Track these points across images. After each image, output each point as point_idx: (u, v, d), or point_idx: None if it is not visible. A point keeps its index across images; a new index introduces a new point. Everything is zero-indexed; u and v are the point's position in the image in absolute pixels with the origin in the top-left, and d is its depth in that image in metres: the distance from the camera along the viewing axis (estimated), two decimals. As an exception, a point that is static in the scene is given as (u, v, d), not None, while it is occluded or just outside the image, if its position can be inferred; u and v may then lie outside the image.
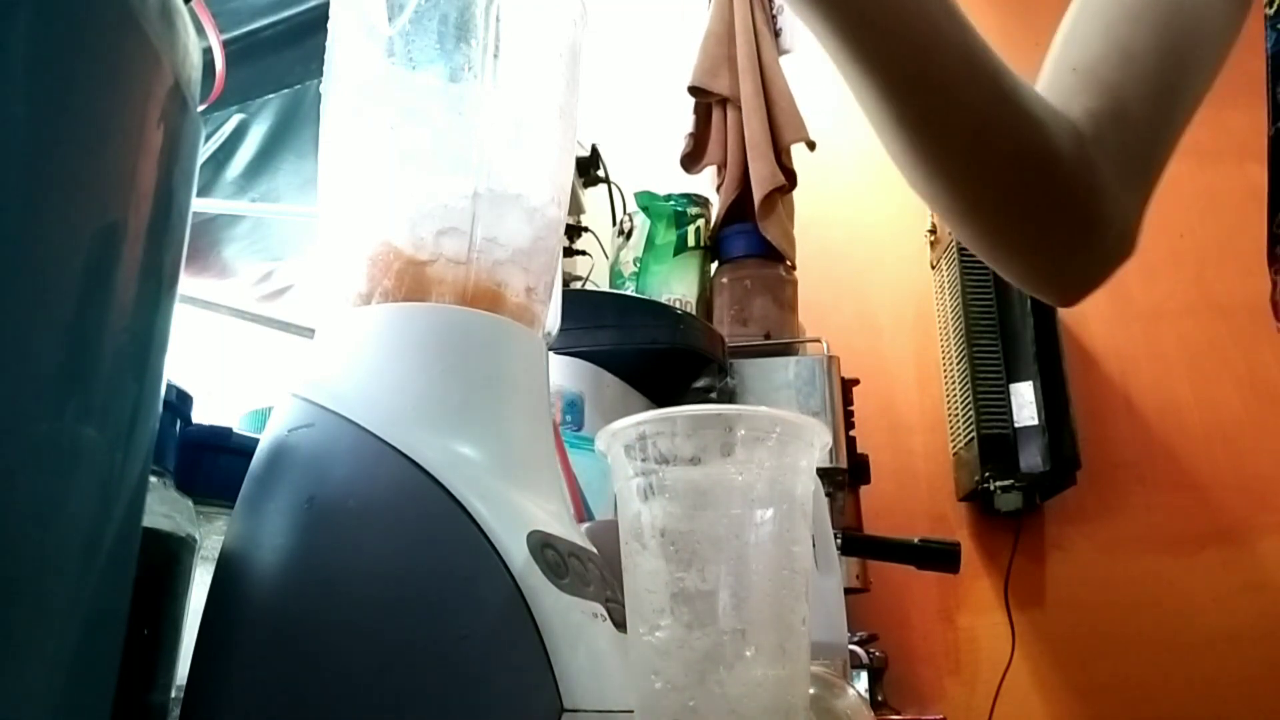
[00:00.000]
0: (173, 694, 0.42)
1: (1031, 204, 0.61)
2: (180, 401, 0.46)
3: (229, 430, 0.51)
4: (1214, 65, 0.64)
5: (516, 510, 0.40)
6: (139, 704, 0.39)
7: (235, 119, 1.28)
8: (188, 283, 1.31)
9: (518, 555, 0.38)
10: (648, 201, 1.74)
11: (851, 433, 1.59)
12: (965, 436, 1.94)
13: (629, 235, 1.74)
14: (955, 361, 2.01)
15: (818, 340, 1.66)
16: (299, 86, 1.24)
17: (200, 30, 0.40)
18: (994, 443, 1.87)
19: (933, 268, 2.18)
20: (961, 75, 0.56)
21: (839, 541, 0.82)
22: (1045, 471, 1.85)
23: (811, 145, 1.75)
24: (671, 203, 1.73)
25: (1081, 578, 1.98)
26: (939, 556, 0.93)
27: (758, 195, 1.65)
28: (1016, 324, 1.94)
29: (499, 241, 0.47)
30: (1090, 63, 0.61)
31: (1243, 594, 1.93)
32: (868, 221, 2.27)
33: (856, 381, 1.63)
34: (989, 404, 1.89)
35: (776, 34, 1.80)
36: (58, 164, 0.28)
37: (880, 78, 0.55)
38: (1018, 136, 0.57)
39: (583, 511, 0.65)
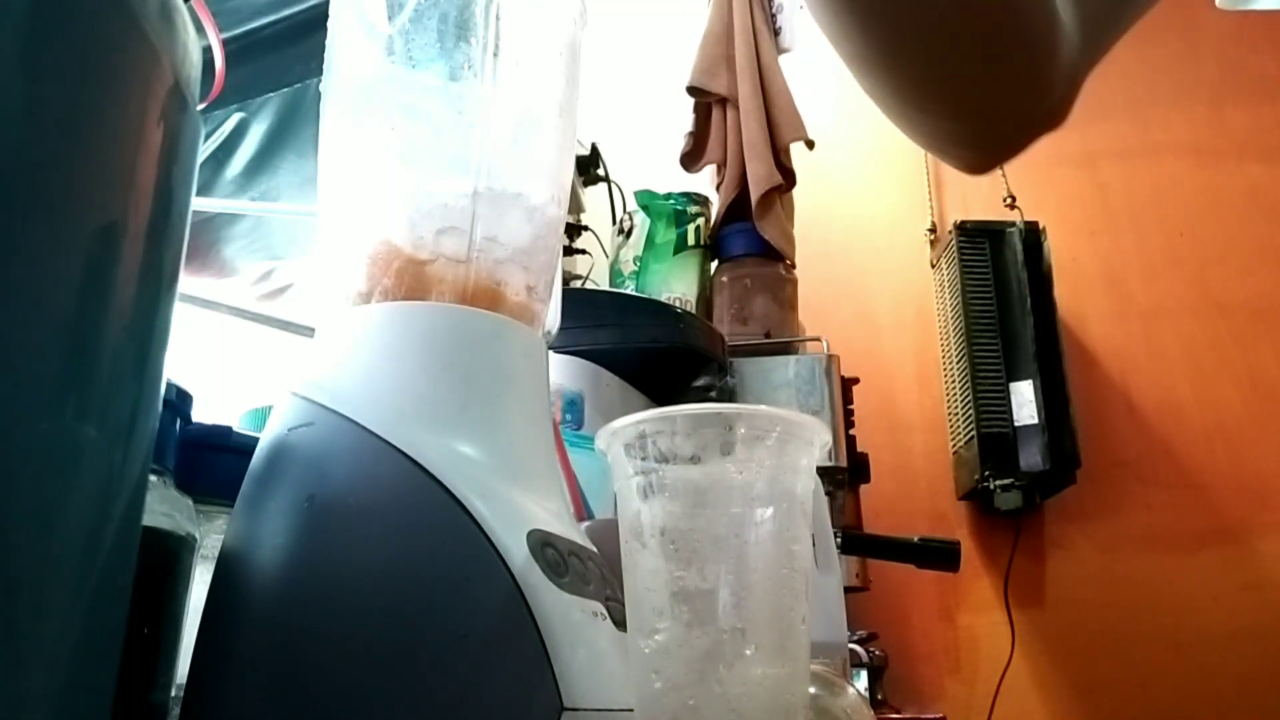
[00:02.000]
0: (173, 693, 0.42)
1: (990, 21, 0.53)
2: (180, 400, 0.46)
3: (229, 429, 0.51)
4: None
5: (516, 509, 0.40)
6: (139, 703, 0.39)
7: (235, 118, 1.28)
8: (187, 282, 1.31)
9: (517, 554, 0.38)
10: (647, 200, 1.74)
11: (851, 431, 1.59)
12: (965, 435, 1.94)
13: (629, 234, 1.74)
14: (955, 360, 2.01)
15: (818, 339, 1.66)
16: (299, 85, 1.24)
17: (200, 29, 0.40)
18: (994, 441, 1.87)
19: (933, 267, 2.18)
20: None
21: (839, 540, 0.82)
22: (1045, 470, 1.85)
23: (810, 144, 1.75)
24: (671, 201, 1.73)
25: (1081, 576, 1.98)
26: (939, 555, 0.93)
27: (755, 195, 1.65)
28: (1016, 323, 1.94)
29: (499, 240, 0.47)
30: None
31: (1242, 593, 1.93)
32: (867, 220, 2.27)
33: (856, 380, 1.63)
34: (989, 403, 1.89)
35: (775, 33, 1.80)
36: (57, 163, 0.28)
37: None
38: None
39: (583, 510, 0.65)
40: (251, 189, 1.35)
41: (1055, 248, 2.01)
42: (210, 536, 0.47)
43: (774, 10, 1.82)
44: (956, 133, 0.61)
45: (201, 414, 0.50)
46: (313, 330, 0.47)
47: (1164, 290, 2.16)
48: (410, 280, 0.45)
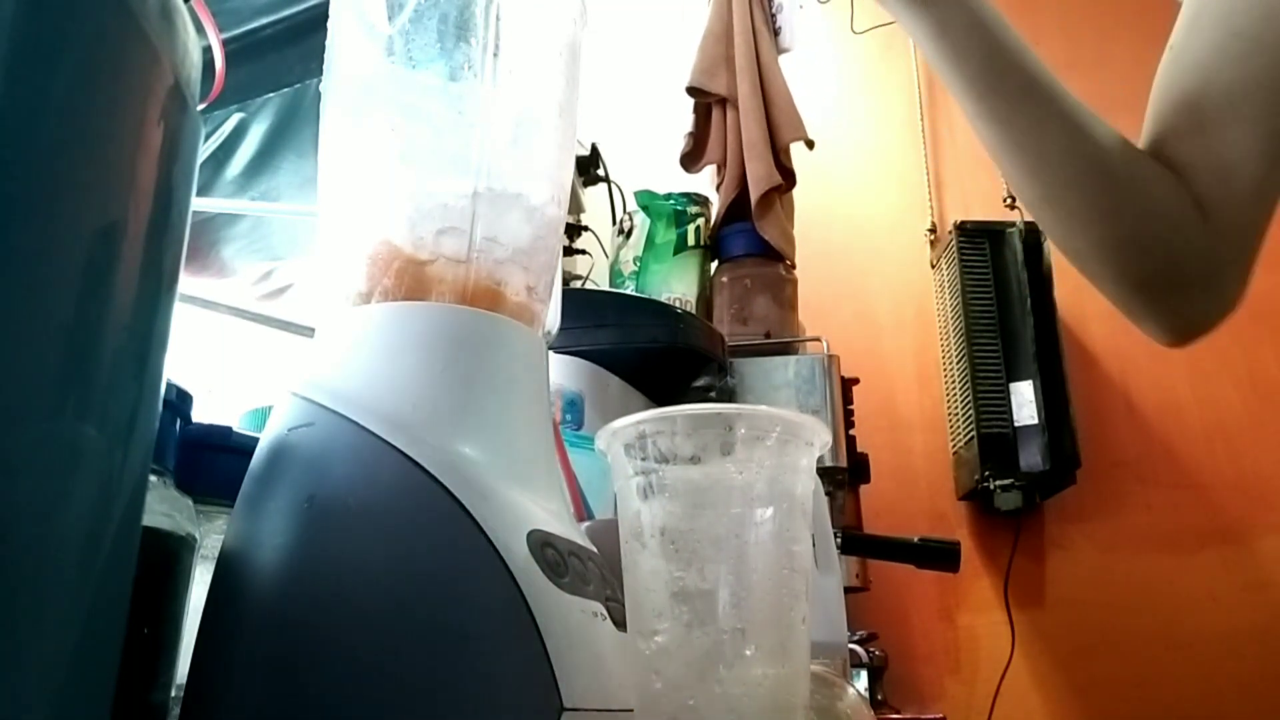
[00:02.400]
0: (173, 693, 0.42)
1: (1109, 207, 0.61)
2: (180, 400, 0.46)
3: (229, 429, 0.51)
4: None
5: (516, 509, 0.40)
6: (139, 703, 0.39)
7: (235, 118, 1.27)
8: (187, 282, 1.31)
9: (518, 554, 0.38)
10: (647, 200, 1.74)
11: (851, 432, 1.59)
12: (965, 435, 1.94)
13: (629, 234, 1.74)
14: (955, 361, 2.01)
15: (818, 339, 1.66)
16: (299, 85, 1.24)
17: (200, 29, 0.40)
18: (994, 442, 1.87)
19: (933, 267, 2.18)
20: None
21: (839, 540, 0.82)
22: (1045, 470, 1.85)
23: (810, 144, 1.75)
24: (671, 202, 1.73)
25: (1081, 576, 1.98)
26: (939, 555, 0.93)
27: (754, 195, 1.65)
28: (1016, 323, 1.94)
29: (499, 241, 0.47)
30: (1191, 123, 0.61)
31: (1242, 593, 1.93)
32: (868, 220, 2.27)
33: (856, 380, 1.63)
34: (989, 403, 1.89)
35: (775, 33, 1.80)
36: (57, 163, 0.28)
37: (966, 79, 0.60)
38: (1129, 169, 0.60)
39: (583, 511, 0.65)
40: (251, 189, 1.35)
41: (1055, 248, 2.00)
42: (210, 536, 0.47)
43: (774, 10, 1.82)
44: (1138, 311, 0.67)
45: (201, 414, 0.50)
46: (313, 330, 0.47)
47: (1164, 290, 2.15)
48: (410, 280, 0.45)
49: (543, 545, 0.39)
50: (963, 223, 2.04)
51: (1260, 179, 0.59)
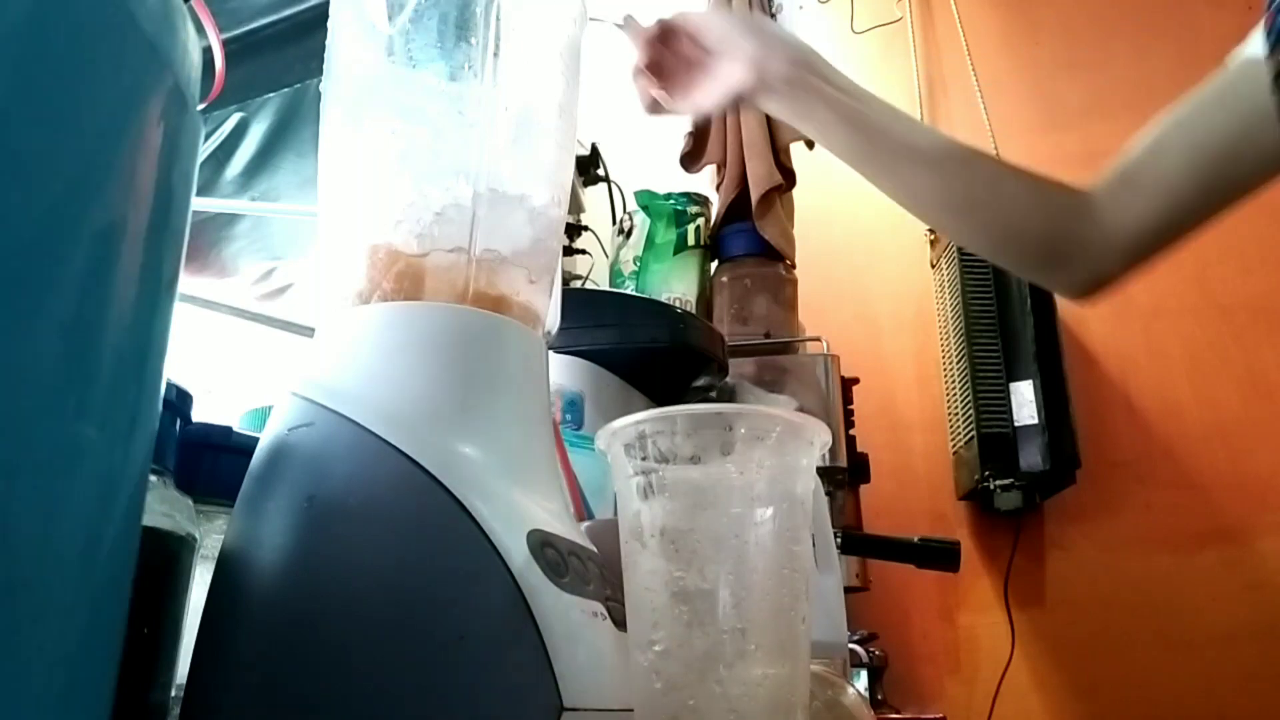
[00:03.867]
0: (173, 693, 0.42)
1: (1011, 241, 0.80)
2: (180, 401, 0.46)
3: (229, 429, 0.51)
4: (1238, 198, 0.79)
5: (516, 509, 0.40)
6: (139, 703, 0.39)
7: (235, 118, 1.27)
8: (188, 282, 1.31)
9: (518, 554, 0.38)
10: (647, 200, 1.74)
11: (851, 432, 1.59)
12: (965, 435, 1.94)
13: (629, 234, 1.74)
14: (955, 360, 2.01)
15: (818, 339, 1.66)
16: (299, 85, 1.24)
17: (200, 29, 0.40)
18: (994, 442, 1.87)
19: (933, 267, 2.18)
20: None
21: (839, 540, 0.82)
22: (1045, 470, 1.84)
23: (810, 144, 1.75)
24: (671, 201, 1.73)
25: (1081, 577, 1.98)
26: (939, 555, 0.93)
27: (755, 195, 1.65)
28: (1016, 323, 1.93)
29: (499, 241, 0.47)
30: (1135, 171, 0.81)
31: (1242, 593, 1.92)
32: (868, 220, 2.27)
33: (856, 380, 1.63)
34: (989, 403, 1.89)
35: (776, 33, 1.80)
36: (57, 163, 0.28)
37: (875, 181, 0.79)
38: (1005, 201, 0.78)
39: (583, 510, 0.65)
40: (251, 189, 1.35)
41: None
42: (210, 536, 0.47)
43: (774, 10, 1.82)
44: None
45: (201, 414, 0.50)
46: (313, 330, 0.47)
47: (1164, 290, 2.15)
48: (410, 281, 0.45)
49: (543, 545, 0.39)
50: (963, 223, 2.04)
51: (1155, 214, 0.79)
